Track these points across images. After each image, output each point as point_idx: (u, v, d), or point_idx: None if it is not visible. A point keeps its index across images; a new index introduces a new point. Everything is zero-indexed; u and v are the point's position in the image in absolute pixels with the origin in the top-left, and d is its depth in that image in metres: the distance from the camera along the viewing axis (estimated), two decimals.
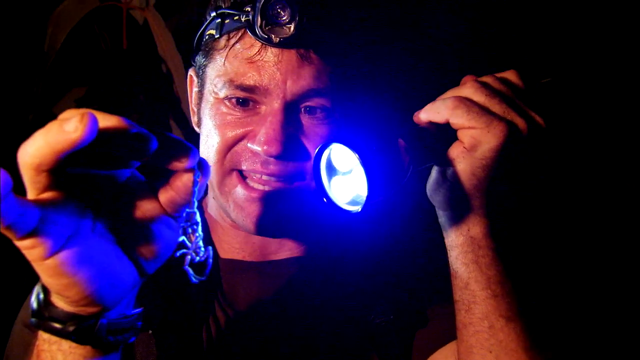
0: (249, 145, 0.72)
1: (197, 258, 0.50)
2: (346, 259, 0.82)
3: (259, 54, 0.70)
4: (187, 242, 0.50)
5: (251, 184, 0.74)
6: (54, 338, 0.50)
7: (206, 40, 0.76)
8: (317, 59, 0.70)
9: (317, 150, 0.63)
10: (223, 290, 0.79)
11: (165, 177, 0.49)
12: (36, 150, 0.39)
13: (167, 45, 1.45)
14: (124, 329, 0.53)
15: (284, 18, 0.68)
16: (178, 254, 0.50)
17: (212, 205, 0.85)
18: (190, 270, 0.50)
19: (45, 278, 0.45)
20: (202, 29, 0.77)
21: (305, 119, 0.72)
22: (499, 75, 0.65)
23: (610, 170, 1.38)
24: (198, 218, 0.50)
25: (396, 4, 1.38)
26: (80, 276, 0.45)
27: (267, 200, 0.73)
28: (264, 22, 0.68)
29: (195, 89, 0.82)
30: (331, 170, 0.64)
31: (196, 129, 0.82)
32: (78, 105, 1.39)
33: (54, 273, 0.44)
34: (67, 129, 0.38)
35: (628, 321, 1.30)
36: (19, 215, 0.39)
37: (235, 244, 0.83)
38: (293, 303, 0.79)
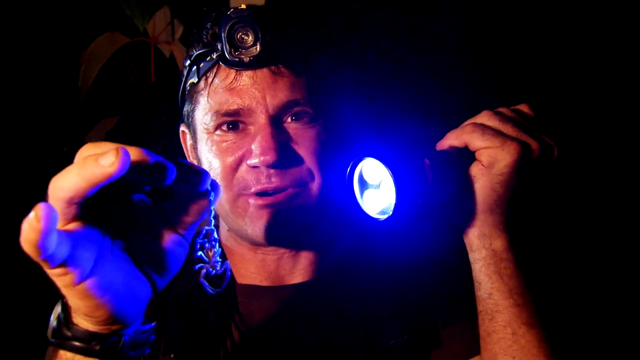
0: (248, 162, 0.76)
1: (214, 271, 0.53)
2: (358, 281, 0.84)
3: (235, 80, 0.75)
4: (204, 257, 0.53)
5: (261, 198, 0.77)
6: (77, 356, 0.52)
7: (188, 90, 0.82)
8: (289, 73, 0.76)
9: (350, 164, 0.68)
10: (240, 313, 0.82)
11: (171, 197, 0.51)
12: (71, 185, 0.42)
13: None
14: (142, 343, 0.56)
15: (249, 41, 0.74)
16: (196, 267, 0.53)
17: (226, 235, 0.88)
18: (206, 283, 0.53)
19: (75, 301, 0.48)
20: (182, 84, 0.84)
21: (292, 128, 0.77)
22: (512, 107, 0.70)
23: (622, 179, 1.39)
24: (216, 235, 0.54)
25: (350, 13, 1.42)
26: (107, 297, 0.48)
27: (278, 210, 0.77)
28: (232, 49, 0.74)
29: (189, 142, 0.87)
30: (363, 183, 0.69)
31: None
32: (108, 135, 1.47)
33: (84, 297, 0.47)
34: (103, 163, 0.41)
35: None
36: (56, 247, 0.41)
37: (252, 269, 0.85)
38: (306, 326, 0.81)
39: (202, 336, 0.80)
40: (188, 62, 0.81)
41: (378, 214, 0.67)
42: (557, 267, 1.24)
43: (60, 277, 0.45)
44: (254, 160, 0.75)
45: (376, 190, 0.68)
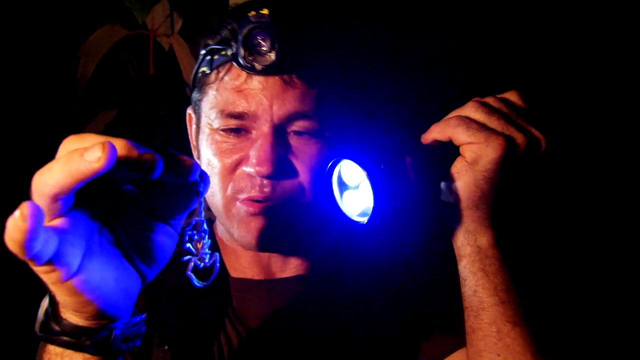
0: (244, 168, 0.76)
1: (202, 264, 0.52)
2: (351, 274, 0.85)
3: (245, 82, 0.74)
4: (192, 249, 0.52)
5: (251, 205, 0.77)
6: (66, 351, 0.52)
7: (199, 77, 0.81)
8: (300, 84, 0.74)
9: (328, 166, 0.67)
10: (233, 307, 0.82)
11: (159, 187, 0.50)
12: (56, 181, 0.40)
13: (191, 70, 1.52)
14: (133, 336, 0.55)
15: (264, 47, 0.73)
16: (184, 259, 0.52)
17: (221, 229, 0.89)
18: (193, 276, 0.52)
19: (63, 297, 0.47)
20: (195, 68, 0.82)
21: (294, 140, 0.76)
22: (500, 96, 0.68)
23: (612, 176, 1.37)
24: (205, 226, 0.53)
25: (373, 29, 1.40)
26: (96, 293, 0.46)
27: (267, 217, 0.76)
28: (246, 52, 0.73)
29: (193, 126, 0.86)
30: (342, 185, 0.69)
31: (197, 161, 0.86)
32: (107, 127, 1.47)
33: (72, 293, 0.45)
34: (88, 158, 0.39)
35: (631, 324, 1.29)
36: (42, 245, 0.40)
37: (244, 263, 0.86)
38: (300, 319, 0.81)
39: (196, 328, 0.79)
40: (203, 51, 0.80)
41: (359, 215, 0.67)
42: (543, 264, 1.24)
43: (47, 275, 0.44)
44: (249, 169, 0.75)
45: (355, 191, 0.68)
